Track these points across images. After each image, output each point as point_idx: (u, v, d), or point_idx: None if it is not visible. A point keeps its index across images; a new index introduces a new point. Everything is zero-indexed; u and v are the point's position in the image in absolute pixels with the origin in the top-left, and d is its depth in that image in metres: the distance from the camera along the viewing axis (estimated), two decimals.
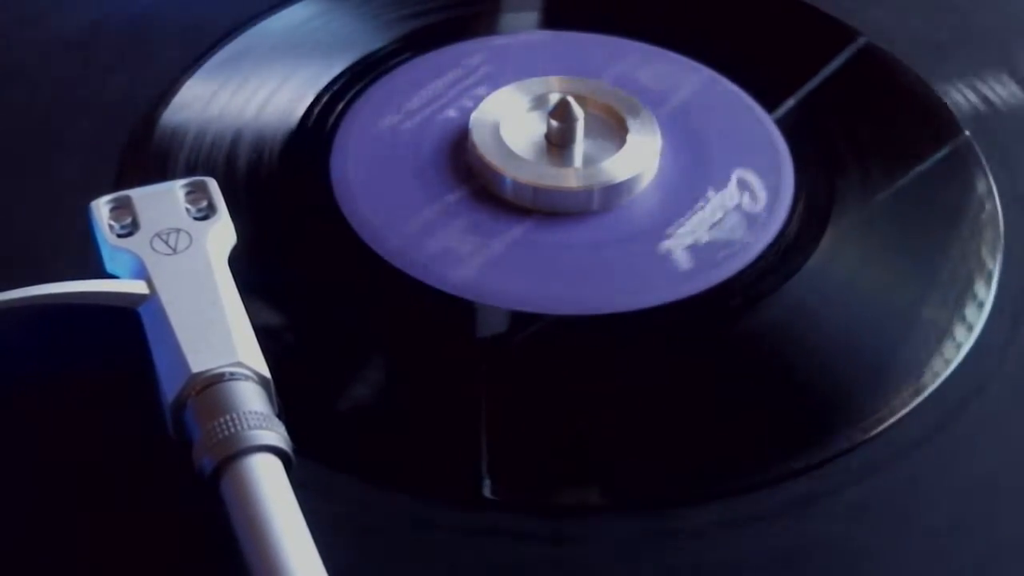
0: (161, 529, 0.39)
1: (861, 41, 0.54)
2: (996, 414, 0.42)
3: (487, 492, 0.40)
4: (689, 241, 0.46)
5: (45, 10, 0.54)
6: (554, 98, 0.49)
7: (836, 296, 0.45)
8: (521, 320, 0.44)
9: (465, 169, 0.48)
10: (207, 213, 0.44)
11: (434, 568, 0.39)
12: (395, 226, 0.46)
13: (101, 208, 0.43)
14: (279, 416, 0.39)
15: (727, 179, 0.48)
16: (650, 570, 0.39)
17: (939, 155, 0.50)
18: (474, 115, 0.49)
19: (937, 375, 0.43)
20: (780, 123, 0.50)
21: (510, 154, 0.47)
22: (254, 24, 0.54)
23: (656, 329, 0.44)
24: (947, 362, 0.43)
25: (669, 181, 0.48)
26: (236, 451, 0.37)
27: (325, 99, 0.51)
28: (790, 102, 0.51)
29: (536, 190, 0.47)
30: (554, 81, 0.50)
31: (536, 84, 0.50)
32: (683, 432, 0.42)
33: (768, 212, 0.47)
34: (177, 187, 0.44)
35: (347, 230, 0.46)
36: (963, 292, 0.45)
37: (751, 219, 0.47)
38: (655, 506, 0.40)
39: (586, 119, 0.48)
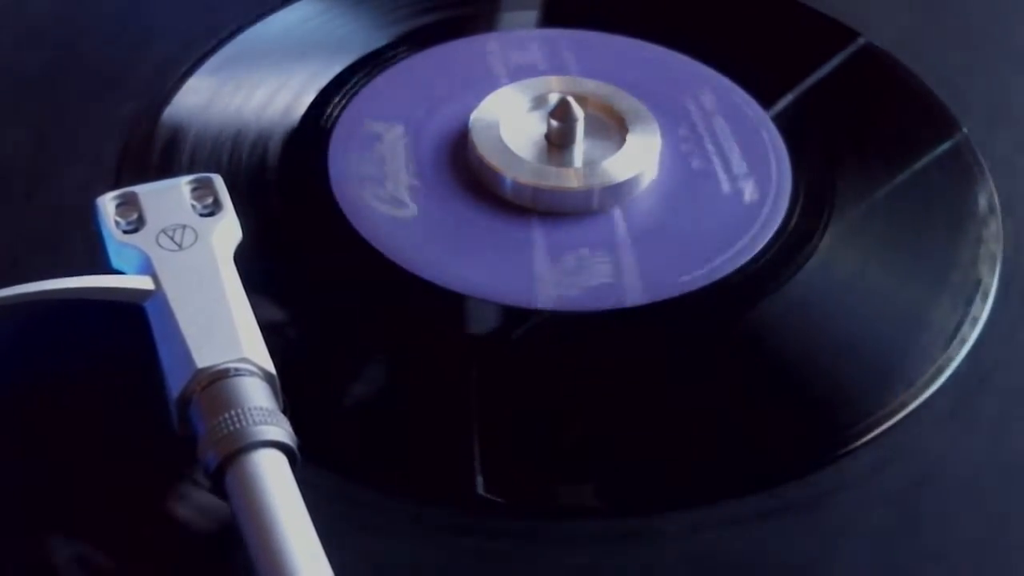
0: (165, 524, 0.39)
1: (860, 41, 0.54)
2: (999, 411, 0.43)
3: (480, 490, 0.40)
4: (689, 240, 0.46)
5: (48, 10, 0.54)
6: (554, 98, 0.49)
7: (836, 294, 0.45)
8: (518, 317, 0.44)
9: (465, 169, 0.48)
10: (213, 210, 0.44)
11: (428, 566, 0.39)
12: (395, 225, 0.46)
13: (107, 204, 0.43)
14: (284, 412, 0.39)
15: (727, 178, 0.48)
16: (646, 570, 0.39)
17: (938, 152, 0.50)
18: (474, 115, 0.49)
19: (939, 373, 0.43)
20: (779, 122, 0.50)
21: (510, 154, 0.47)
22: (255, 24, 0.54)
23: (654, 327, 0.44)
24: (949, 359, 0.43)
25: (669, 180, 0.48)
26: (241, 447, 0.37)
27: (325, 98, 0.51)
28: (789, 101, 0.51)
29: (536, 190, 0.47)
30: (554, 81, 0.50)
31: (536, 84, 0.50)
32: (681, 432, 0.42)
33: (768, 211, 0.47)
34: (183, 184, 0.44)
35: (347, 228, 0.46)
36: (964, 289, 0.46)
37: (751, 218, 0.47)
38: (652, 506, 0.40)
39: (586, 119, 0.48)
